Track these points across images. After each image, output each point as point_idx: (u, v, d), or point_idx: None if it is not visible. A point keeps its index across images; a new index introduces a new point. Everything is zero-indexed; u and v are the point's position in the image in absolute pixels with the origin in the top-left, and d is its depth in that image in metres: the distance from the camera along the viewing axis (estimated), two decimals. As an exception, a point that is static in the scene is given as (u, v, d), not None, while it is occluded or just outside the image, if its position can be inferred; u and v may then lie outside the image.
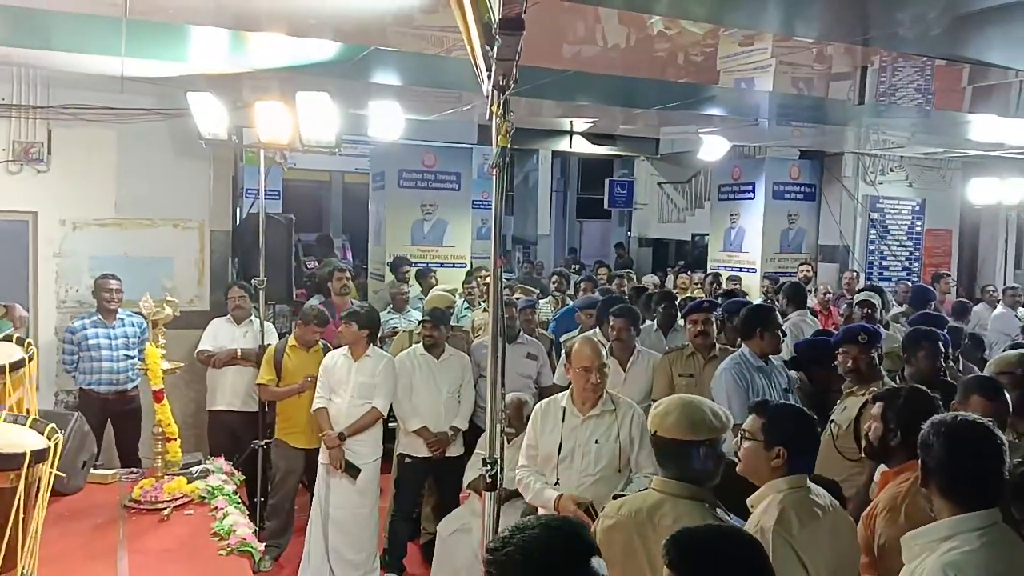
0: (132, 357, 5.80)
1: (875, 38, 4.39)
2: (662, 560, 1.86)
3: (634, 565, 2.53)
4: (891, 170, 10.43)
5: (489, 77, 1.86)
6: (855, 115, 7.47)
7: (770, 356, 4.60)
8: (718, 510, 2.60)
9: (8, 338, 4.01)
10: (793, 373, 4.83)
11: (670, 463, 2.63)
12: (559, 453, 3.61)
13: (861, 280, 9.75)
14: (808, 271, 9.59)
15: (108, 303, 5.77)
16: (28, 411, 3.62)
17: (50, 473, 2.79)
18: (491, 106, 1.91)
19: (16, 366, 3.67)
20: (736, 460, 2.74)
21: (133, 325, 5.87)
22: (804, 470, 2.64)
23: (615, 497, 2.81)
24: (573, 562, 1.69)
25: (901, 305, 8.29)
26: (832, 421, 4.00)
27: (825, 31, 4.49)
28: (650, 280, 9.91)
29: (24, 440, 2.78)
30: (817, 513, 2.56)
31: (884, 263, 10.64)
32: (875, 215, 10.43)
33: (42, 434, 2.85)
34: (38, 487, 2.76)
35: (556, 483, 3.62)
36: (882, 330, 5.21)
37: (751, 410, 2.73)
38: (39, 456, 2.71)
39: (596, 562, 1.71)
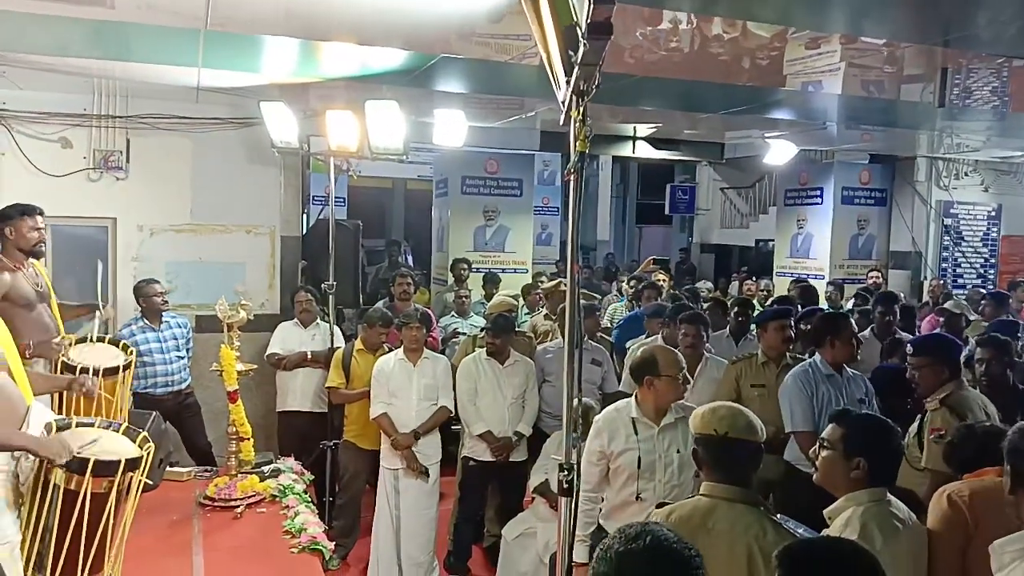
0: (183, 357, 5.92)
1: (955, 39, 4.27)
2: (773, 571, 1.81)
3: None
4: (966, 174, 10.11)
5: (568, 82, 1.86)
6: (928, 118, 7.28)
7: (845, 366, 4.49)
8: (770, 513, 2.59)
9: (114, 341, 4.19)
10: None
11: (731, 466, 2.64)
12: (639, 467, 3.55)
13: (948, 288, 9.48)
14: (878, 278, 9.35)
15: (162, 306, 5.86)
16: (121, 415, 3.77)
17: (140, 480, 2.86)
18: (570, 111, 1.91)
19: (110, 372, 3.83)
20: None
21: (179, 326, 5.98)
22: (885, 482, 2.59)
23: (659, 506, 2.80)
24: None
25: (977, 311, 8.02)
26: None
27: (902, 33, 4.39)
28: (704, 286, 9.77)
29: (119, 448, 2.84)
30: (898, 527, 2.50)
31: (958, 270, 10.32)
32: (949, 221, 10.11)
33: (134, 442, 2.92)
34: (128, 492, 2.83)
35: (638, 497, 3.55)
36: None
37: (831, 419, 2.68)
38: (132, 465, 2.78)
39: None
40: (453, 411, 5.35)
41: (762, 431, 2.73)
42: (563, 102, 2.01)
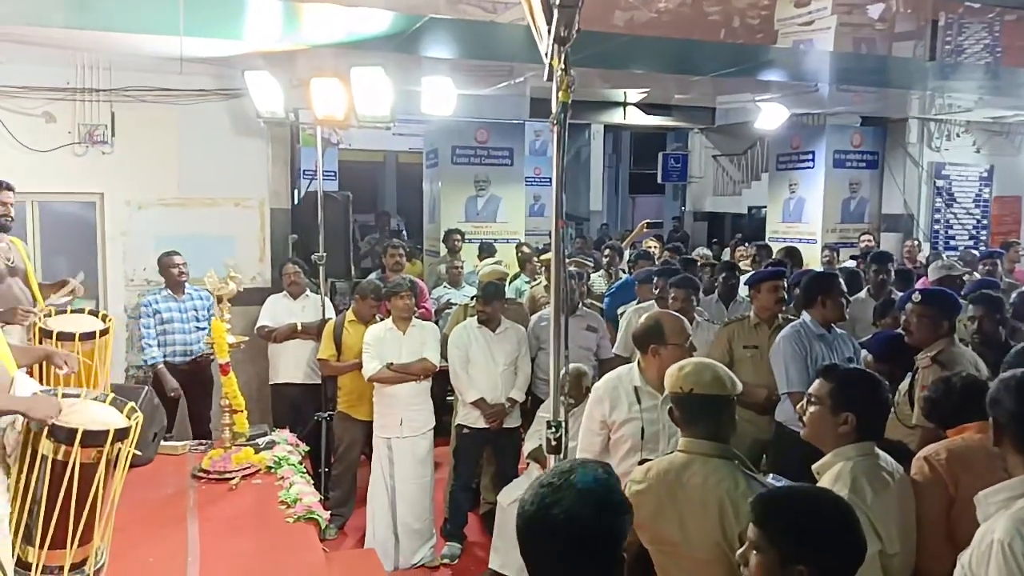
0: (203, 328, 5.96)
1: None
2: (748, 519, 1.82)
3: (665, 526, 2.53)
4: (957, 135, 10.06)
5: (549, 31, 1.83)
6: (920, 76, 7.22)
7: (833, 324, 4.48)
8: (745, 468, 2.57)
9: (93, 312, 4.18)
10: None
11: (703, 421, 2.62)
12: (642, 438, 3.34)
13: (925, 248, 9.47)
14: (870, 241, 9.35)
15: (180, 277, 5.90)
16: (103, 386, 3.75)
17: (129, 451, 2.85)
18: (551, 60, 1.87)
19: (86, 337, 3.82)
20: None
21: (201, 298, 6.01)
22: (873, 437, 2.57)
23: (641, 462, 2.77)
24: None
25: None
26: None
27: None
28: (700, 252, 9.72)
29: (107, 418, 2.82)
30: (888, 480, 2.50)
31: (950, 232, 10.31)
32: (941, 182, 10.08)
33: (122, 412, 2.89)
34: (116, 463, 2.82)
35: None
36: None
37: (819, 374, 2.67)
38: (121, 435, 2.76)
39: None
40: (436, 366, 5.27)
41: (732, 383, 2.68)
42: (546, 54, 1.97)
